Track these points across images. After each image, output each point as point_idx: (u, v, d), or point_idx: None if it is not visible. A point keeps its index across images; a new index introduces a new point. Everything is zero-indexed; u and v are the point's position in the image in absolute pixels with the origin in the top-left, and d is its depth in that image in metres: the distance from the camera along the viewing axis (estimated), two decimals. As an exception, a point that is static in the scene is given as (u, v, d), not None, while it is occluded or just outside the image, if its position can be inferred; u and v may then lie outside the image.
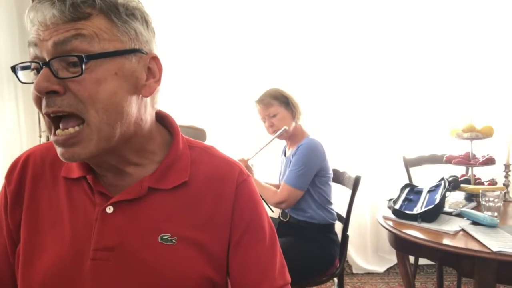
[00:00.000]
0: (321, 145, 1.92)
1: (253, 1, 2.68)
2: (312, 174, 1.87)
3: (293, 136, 1.99)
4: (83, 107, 0.60)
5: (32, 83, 0.61)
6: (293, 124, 1.96)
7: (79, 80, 0.59)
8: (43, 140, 2.37)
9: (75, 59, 0.58)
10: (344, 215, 1.94)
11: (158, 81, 0.69)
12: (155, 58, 0.68)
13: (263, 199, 1.84)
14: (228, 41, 2.70)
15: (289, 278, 0.77)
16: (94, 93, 0.60)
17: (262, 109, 1.96)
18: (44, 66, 0.59)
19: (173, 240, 0.68)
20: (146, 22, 0.67)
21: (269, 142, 1.98)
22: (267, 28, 2.69)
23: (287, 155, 2.05)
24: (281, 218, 1.98)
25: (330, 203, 1.95)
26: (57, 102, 0.59)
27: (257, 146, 1.98)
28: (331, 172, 1.97)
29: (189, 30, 2.67)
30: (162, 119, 0.77)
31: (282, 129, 1.92)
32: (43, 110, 0.61)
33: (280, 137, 1.97)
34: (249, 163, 1.94)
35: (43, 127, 2.36)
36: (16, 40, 2.30)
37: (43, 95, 0.60)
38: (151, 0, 2.55)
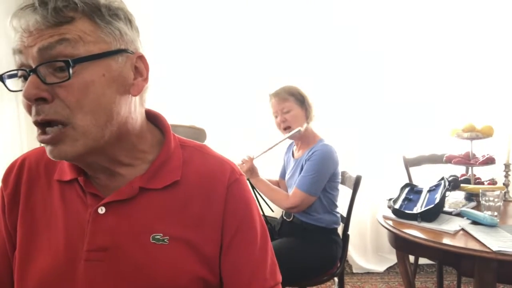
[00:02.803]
0: (335, 151, 1.88)
1: (255, 1, 2.68)
2: (325, 181, 1.84)
3: (304, 138, 1.94)
4: (70, 113, 0.60)
5: (21, 90, 0.61)
6: (305, 125, 1.91)
7: (66, 85, 0.59)
8: (43, 140, 2.36)
9: (62, 64, 0.58)
10: (344, 215, 1.94)
11: (146, 80, 0.69)
12: (141, 57, 0.68)
13: (263, 200, 1.85)
14: (229, 41, 2.70)
15: (280, 278, 0.77)
16: (82, 97, 0.60)
17: (276, 103, 1.90)
18: (31, 73, 0.59)
19: (165, 240, 0.68)
20: (129, 21, 0.67)
21: (280, 142, 1.94)
22: (268, 28, 2.69)
23: (295, 156, 2.01)
24: (285, 218, 1.96)
25: (336, 206, 1.93)
26: (45, 109, 0.59)
27: (264, 145, 1.93)
28: (340, 177, 1.95)
29: (190, 29, 2.67)
30: (153, 118, 0.77)
31: (296, 130, 1.87)
32: (32, 118, 0.61)
33: (291, 137, 1.93)
34: (254, 161, 1.91)
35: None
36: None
37: (33, 103, 0.60)
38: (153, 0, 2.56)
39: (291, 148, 2.10)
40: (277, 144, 1.94)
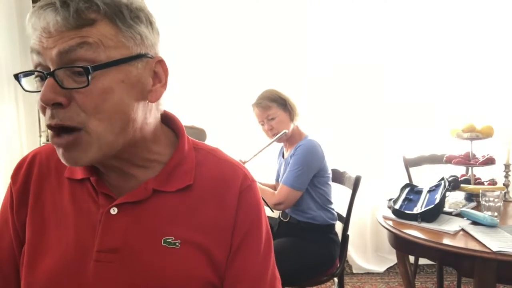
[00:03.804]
0: (320, 145, 1.90)
1: (253, 2, 2.68)
2: (310, 175, 1.86)
3: (291, 138, 1.97)
4: (86, 117, 0.59)
5: (37, 91, 0.60)
6: (292, 126, 1.94)
7: (84, 91, 0.58)
8: (43, 140, 2.37)
9: (81, 69, 0.57)
10: (344, 215, 1.94)
11: (164, 85, 0.67)
12: (160, 62, 0.66)
13: (264, 200, 1.85)
14: (229, 41, 2.70)
15: None
16: (100, 104, 0.58)
17: (260, 112, 1.94)
18: (48, 76, 0.57)
19: (177, 244, 0.67)
20: (150, 23, 0.65)
21: (268, 145, 1.96)
22: (268, 28, 2.69)
23: (285, 156, 2.04)
24: (281, 218, 1.98)
25: (331, 203, 1.95)
26: (60, 114, 0.58)
27: (255, 149, 1.95)
28: (330, 172, 1.97)
29: (189, 29, 2.67)
30: (167, 120, 0.76)
31: (282, 132, 1.90)
32: (46, 121, 0.60)
33: (279, 140, 1.95)
34: (246, 165, 1.93)
35: (43, 127, 2.36)
36: (16, 41, 2.29)
37: (49, 106, 0.58)
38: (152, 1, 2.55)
39: (282, 150, 2.13)
40: (264, 148, 1.96)
